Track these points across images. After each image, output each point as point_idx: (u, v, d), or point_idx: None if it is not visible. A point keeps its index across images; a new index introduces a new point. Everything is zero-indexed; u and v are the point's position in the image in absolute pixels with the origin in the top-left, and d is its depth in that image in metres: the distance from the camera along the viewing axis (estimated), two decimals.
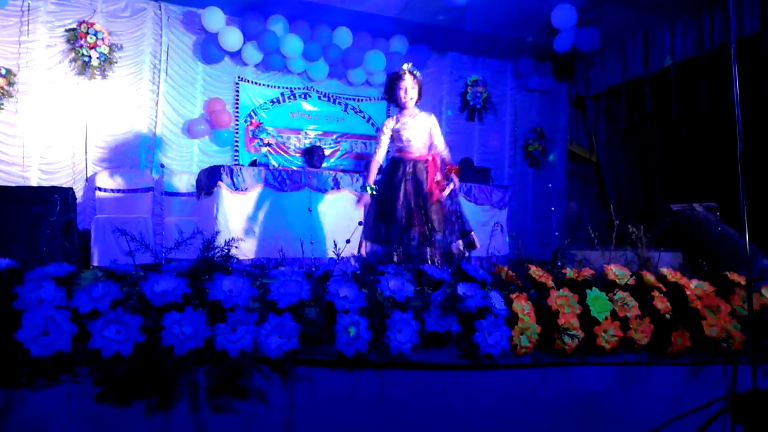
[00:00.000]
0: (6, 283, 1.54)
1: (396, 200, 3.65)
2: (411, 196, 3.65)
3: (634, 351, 2.11)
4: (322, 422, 1.78)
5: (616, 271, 2.22)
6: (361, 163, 7.99)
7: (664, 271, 2.33)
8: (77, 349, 1.50)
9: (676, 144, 7.37)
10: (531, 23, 7.24)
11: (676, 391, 2.22)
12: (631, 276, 2.23)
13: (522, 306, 1.96)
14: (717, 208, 3.38)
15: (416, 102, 3.86)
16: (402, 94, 3.79)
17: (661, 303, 2.16)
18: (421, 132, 3.82)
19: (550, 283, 2.11)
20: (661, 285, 2.24)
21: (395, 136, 3.85)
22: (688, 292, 2.25)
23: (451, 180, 3.77)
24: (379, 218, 3.70)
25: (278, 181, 5.05)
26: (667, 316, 2.15)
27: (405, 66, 3.85)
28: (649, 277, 2.25)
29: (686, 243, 3.17)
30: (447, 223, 3.67)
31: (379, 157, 3.89)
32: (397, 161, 3.82)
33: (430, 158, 3.76)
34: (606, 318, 2.04)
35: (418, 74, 3.83)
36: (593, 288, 2.09)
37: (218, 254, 1.84)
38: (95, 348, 1.48)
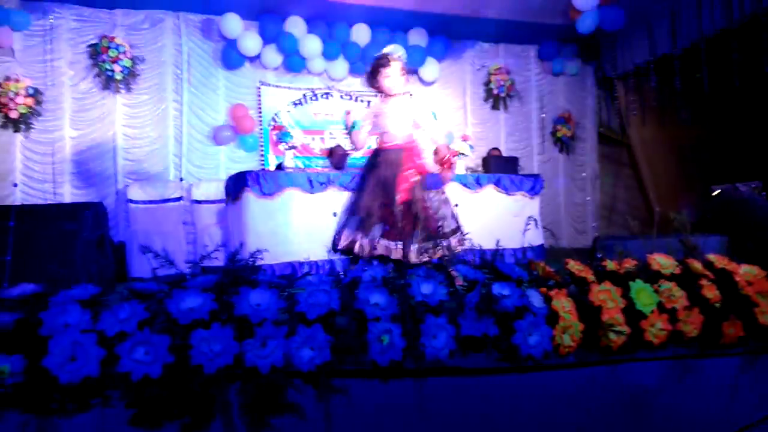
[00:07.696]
0: (32, 309, 1.51)
1: (363, 192, 3.28)
2: (378, 189, 3.23)
3: (685, 344, 2.00)
4: None
5: (660, 261, 2.11)
6: None
7: (711, 257, 2.21)
8: (106, 372, 1.47)
9: (711, 121, 7.10)
10: (552, 5, 7.06)
11: (731, 382, 2.10)
12: (677, 265, 2.11)
13: (562, 303, 1.87)
14: (761, 187, 3.22)
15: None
16: (386, 82, 3.34)
17: (710, 292, 2.04)
18: (401, 118, 3.34)
19: (591, 277, 2.02)
20: (708, 272, 2.12)
21: (375, 124, 3.42)
22: (737, 279, 2.12)
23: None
24: (349, 210, 3.34)
25: (304, 184, 5.01)
26: (717, 305, 2.03)
27: (390, 50, 3.39)
28: (696, 265, 2.13)
29: (731, 226, 3.02)
30: (427, 221, 3.20)
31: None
32: (374, 151, 3.42)
33: (407, 146, 3.30)
34: (652, 311, 1.94)
35: (404, 57, 3.37)
36: (637, 280, 1.99)
37: (244, 264, 1.80)
38: (124, 371, 1.44)
